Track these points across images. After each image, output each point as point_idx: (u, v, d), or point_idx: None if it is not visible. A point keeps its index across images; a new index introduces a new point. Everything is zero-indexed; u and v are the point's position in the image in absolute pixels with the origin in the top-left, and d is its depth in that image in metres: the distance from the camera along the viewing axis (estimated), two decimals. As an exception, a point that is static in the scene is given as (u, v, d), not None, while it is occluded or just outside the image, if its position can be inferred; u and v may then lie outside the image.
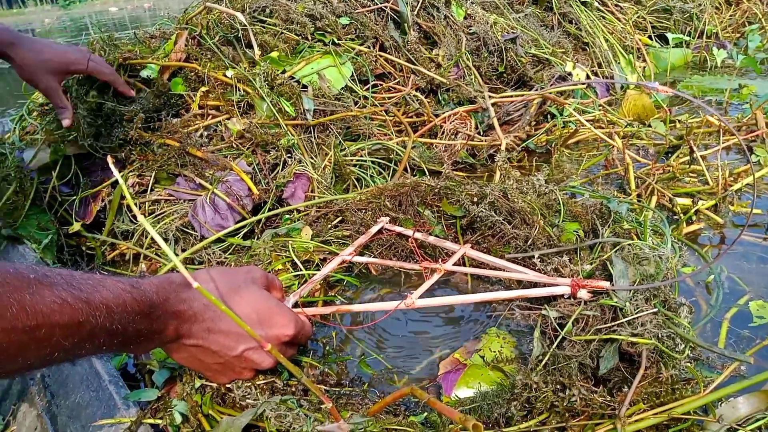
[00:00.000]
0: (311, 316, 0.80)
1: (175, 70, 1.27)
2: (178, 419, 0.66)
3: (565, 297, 0.74)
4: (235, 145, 1.16)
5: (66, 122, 1.09)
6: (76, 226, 1.15)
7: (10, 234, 1.17)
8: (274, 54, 1.29)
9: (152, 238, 1.07)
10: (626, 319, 0.65)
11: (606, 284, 0.70)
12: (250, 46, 1.29)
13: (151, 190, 1.13)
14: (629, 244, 0.78)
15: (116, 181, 1.16)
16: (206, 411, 0.68)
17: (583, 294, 0.72)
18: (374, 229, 1.01)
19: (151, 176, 1.12)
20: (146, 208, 1.11)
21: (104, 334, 0.51)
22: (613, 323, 0.65)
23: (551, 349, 0.65)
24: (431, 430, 0.60)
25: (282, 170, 1.15)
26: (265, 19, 1.37)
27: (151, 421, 0.67)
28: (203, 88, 1.20)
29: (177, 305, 0.59)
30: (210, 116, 1.17)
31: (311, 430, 0.57)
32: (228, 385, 0.68)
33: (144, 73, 1.23)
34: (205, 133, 1.17)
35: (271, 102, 1.17)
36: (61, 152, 1.17)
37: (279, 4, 1.35)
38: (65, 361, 0.51)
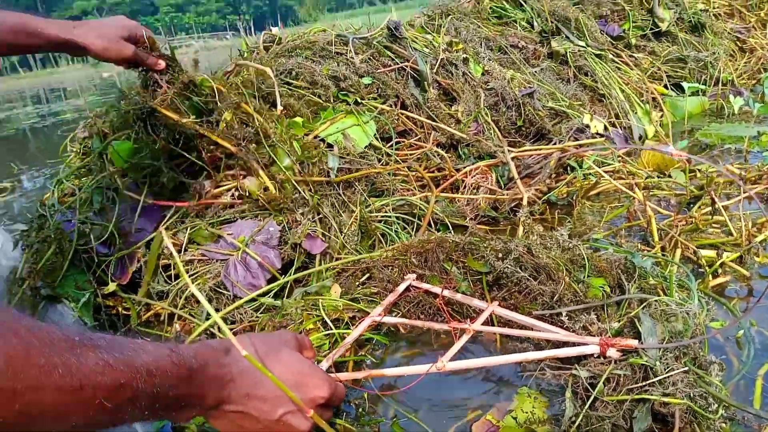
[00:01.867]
0: (342, 381, 0.82)
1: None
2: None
3: (595, 356, 0.75)
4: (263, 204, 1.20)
5: (161, 65, 1.13)
6: (112, 287, 1.18)
7: (49, 294, 1.21)
8: (298, 119, 1.35)
9: (186, 299, 1.10)
10: (657, 378, 0.65)
11: (635, 343, 0.71)
12: (275, 105, 1.35)
13: (185, 250, 1.17)
14: (656, 301, 0.79)
15: (150, 242, 1.20)
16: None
17: (612, 353, 0.73)
18: (402, 287, 1.03)
19: (184, 237, 1.16)
20: (181, 268, 1.15)
21: (145, 397, 0.53)
22: (644, 383, 0.66)
23: (584, 410, 0.66)
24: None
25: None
26: (291, 81, 1.43)
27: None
28: (225, 142, 1.26)
29: (216, 370, 0.62)
30: (241, 176, 1.22)
31: None
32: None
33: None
34: (236, 194, 1.21)
35: (294, 159, 1.21)
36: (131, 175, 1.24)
37: (305, 66, 1.42)
38: (108, 426, 0.52)
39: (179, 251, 1.19)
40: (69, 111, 8.12)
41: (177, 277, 1.17)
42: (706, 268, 1.04)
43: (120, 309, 1.21)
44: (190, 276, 1.12)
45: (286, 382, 0.66)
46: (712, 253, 1.08)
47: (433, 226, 1.32)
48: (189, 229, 1.14)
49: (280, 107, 1.28)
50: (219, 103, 1.20)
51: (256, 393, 0.64)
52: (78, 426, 0.48)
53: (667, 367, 0.66)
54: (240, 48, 1.63)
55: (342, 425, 0.76)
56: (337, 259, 1.16)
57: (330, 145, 1.32)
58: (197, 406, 0.61)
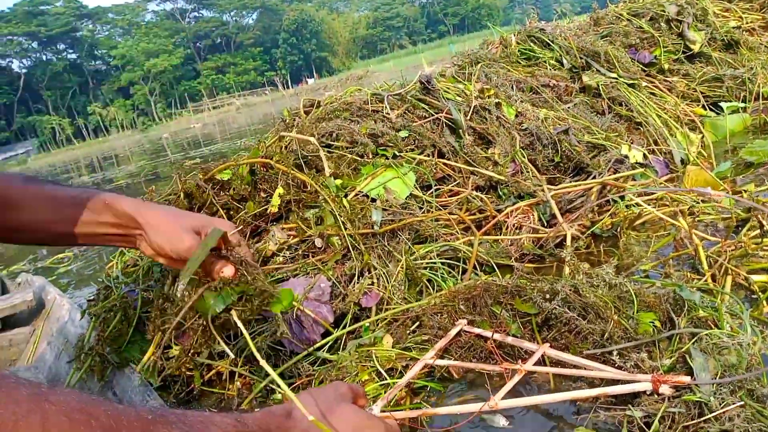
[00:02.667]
0: (399, 420, 0.85)
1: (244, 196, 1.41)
2: None
3: (648, 393, 0.75)
4: (312, 262, 1.26)
5: (226, 273, 0.91)
6: (176, 350, 1.25)
7: (116, 359, 1.29)
8: (338, 181, 1.41)
9: (246, 357, 1.16)
10: (712, 414, 0.65)
11: (687, 379, 0.71)
12: (318, 169, 1.42)
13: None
14: (707, 334, 0.79)
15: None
16: None
17: (665, 389, 0.73)
18: (453, 332, 1.06)
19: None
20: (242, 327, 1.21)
21: None
22: (699, 419, 0.66)
23: (640, 451, 0.66)
24: None
25: (359, 281, 1.23)
26: (331, 143, 1.50)
27: None
28: (279, 192, 1.33)
29: None
30: (291, 236, 1.28)
31: None
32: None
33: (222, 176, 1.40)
34: (288, 254, 1.27)
35: (339, 215, 1.27)
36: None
37: (344, 127, 1.49)
38: None
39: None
40: (122, 177, 8.57)
41: (236, 336, 1.23)
42: (759, 293, 1.03)
43: (183, 370, 1.28)
44: (249, 334, 1.17)
45: None
46: (764, 277, 1.06)
47: (478, 268, 1.34)
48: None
49: (328, 170, 1.35)
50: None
51: None
52: None
53: (722, 402, 0.67)
54: (282, 115, 1.73)
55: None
56: (386, 309, 1.20)
57: (373, 199, 1.38)
58: None
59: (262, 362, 0.59)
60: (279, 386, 0.78)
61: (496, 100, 1.68)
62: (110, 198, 0.95)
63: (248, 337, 0.68)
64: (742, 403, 0.66)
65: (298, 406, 0.58)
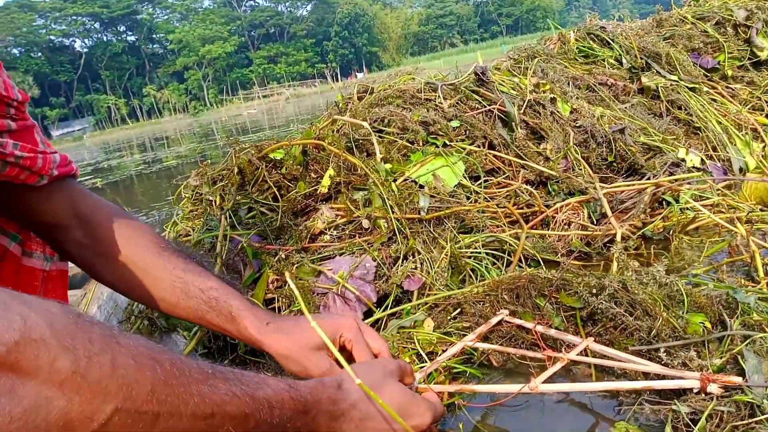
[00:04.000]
0: (438, 392, 0.86)
1: (296, 175, 1.44)
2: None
3: (695, 392, 0.74)
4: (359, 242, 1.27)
5: None
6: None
7: (164, 325, 1.34)
8: (388, 166, 1.42)
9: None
10: (765, 416, 0.64)
11: (738, 380, 0.70)
12: (368, 153, 1.44)
13: (287, 284, 1.26)
14: (761, 337, 0.77)
15: (257, 279, 1.30)
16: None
17: (713, 389, 0.72)
18: (495, 319, 1.06)
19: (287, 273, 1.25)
20: (283, 302, 1.24)
21: (266, 427, 0.58)
22: (750, 420, 0.65)
23: (685, 446, 0.65)
24: None
25: (402, 264, 1.24)
26: (383, 128, 1.52)
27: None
28: (330, 173, 1.35)
29: (329, 406, 0.67)
30: (339, 216, 1.30)
31: None
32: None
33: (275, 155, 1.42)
34: (335, 233, 1.29)
35: (387, 199, 1.29)
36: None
37: (396, 114, 1.50)
38: None
39: (281, 286, 1.29)
40: (171, 158, 8.82)
41: (280, 310, 1.26)
42: (819, 305, 0.99)
43: (228, 338, 1.31)
44: (295, 309, 1.20)
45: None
46: (824, 289, 1.02)
47: (523, 261, 1.34)
48: (293, 265, 1.23)
49: (379, 155, 1.37)
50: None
51: (366, 425, 0.69)
52: None
53: (775, 405, 0.65)
54: (336, 100, 1.75)
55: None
56: (428, 294, 1.21)
57: (421, 186, 1.39)
58: None
59: (314, 324, 0.60)
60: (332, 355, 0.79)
61: (551, 96, 1.66)
62: (236, 309, 0.86)
63: (302, 304, 0.69)
64: (796, 407, 0.64)
65: (349, 371, 0.60)
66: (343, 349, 0.85)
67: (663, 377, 0.79)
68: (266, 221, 1.34)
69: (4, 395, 0.39)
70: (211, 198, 1.48)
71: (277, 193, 1.41)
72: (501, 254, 1.36)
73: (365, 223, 1.28)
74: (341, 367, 0.69)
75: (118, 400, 0.44)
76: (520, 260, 1.32)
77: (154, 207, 3.84)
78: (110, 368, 0.44)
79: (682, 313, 0.91)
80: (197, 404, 0.51)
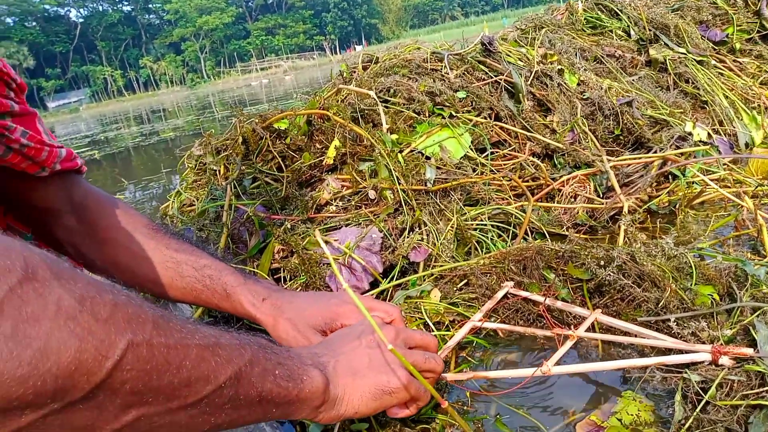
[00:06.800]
0: (449, 381, 0.86)
1: (300, 146, 1.42)
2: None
3: (705, 363, 0.74)
4: (365, 213, 1.27)
5: None
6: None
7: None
8: (394, 136, 1.41)
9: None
10: (775, 385, 0.64)
11: (750, 351, 0.70)
12: (374, 124, 1.42)
13: (293, 254, 1.25)
14: (771, 309, 0.77)
15: (262, 249, 1.30)
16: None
17: (725, 361, 0.72)
18: (500, 294, 1.05)
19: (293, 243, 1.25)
20: (288, 272, 1.23)
21: (260, 364, 0.56)
22: (761, 389, 0.65)
23: (695, 413, 0.66)
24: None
25: (409, 235, 1.24)
26: (389, 98, 1.50)
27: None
28: (335, 144, 1.34)
29: (309, 350, 0.69)
30: (345, 187, 1.29)
31: None
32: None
33: (279, 125, 1.40)
34: (341, 204, 1.29)
35: (393, 170, 1.28)
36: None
37: (402, 84, 1.48)
38: (236, 399, 0.53)
39: (286, 257, 1.28)
40: (169, 130, 8.75)
41: (285, 280, 1.25)
42: (826, 278, 0.99)
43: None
44: (300, 281, 1.20)
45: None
46: (832, 263, 1.02)
47: (529, 234, 1.33)
48: (299, 235, 1.22)
49: (385, 126, 1.35)
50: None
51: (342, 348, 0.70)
52: (214, 395, 0.51)
53: (786, 375, 0.65)
54: (340, 69, 1.73)
55: (445, 420, 0.80)
56: (434, 266, 1.21)
57: (427, 157, 1.38)
58: (308, 382, 0.62)
59: (341, 280, 0.60)
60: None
61: (559, 67, 1.64)
62: (230, 286, 0.85)
63: (334, 266, 0.68)
64: (807, 376, 0.64)
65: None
66: None
67: (671, 351, 0.79)
68: (271, 191, 1.33)
69: (10, 339, 0.36)
70: (215, 168, 1.47)
71: (281, 163, 1.40)
72: (507, 227, 1.35)
73: (371, 194, 1.28)
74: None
75: (129, 334, 0.43)
76: (525, 233, 1.31)
77: (151, 179, 3.82)
78: (113, 306, 0.43)
79: (691, 285, 0.91)
80: (202, 338, 0.50)
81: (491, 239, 1.32)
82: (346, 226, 1.24)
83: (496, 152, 1.49)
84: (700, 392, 0.68)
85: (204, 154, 1.62)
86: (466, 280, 1.15)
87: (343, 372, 0.68)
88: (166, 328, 0.47)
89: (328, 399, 0.65)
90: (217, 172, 1.45)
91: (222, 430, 0.53)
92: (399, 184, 1.27)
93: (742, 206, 1.27)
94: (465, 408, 0.86)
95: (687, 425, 0.65)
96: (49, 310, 0.38)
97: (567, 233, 1.31)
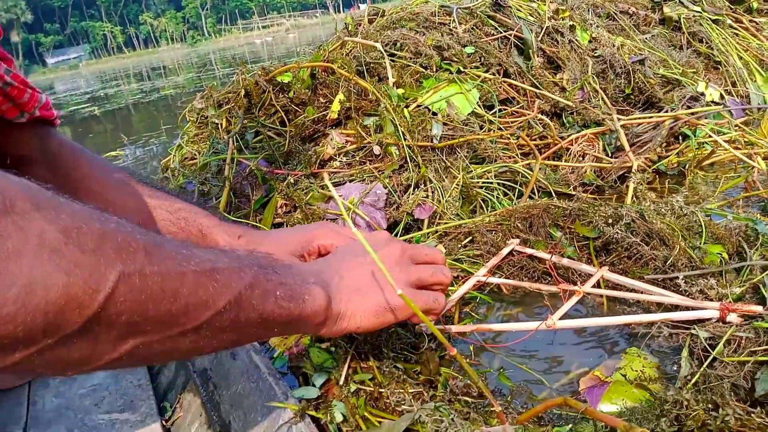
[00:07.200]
0: (453, 333, 0.86)
1: (304, 100, 1.39)
2: (339, 418, 0.73)
3: (713, 321, 0.73)
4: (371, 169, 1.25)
5: None
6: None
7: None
8: (400, 91, 1.38)
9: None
10: (784, 342, 0.64)
11: (759, 309, 0.69)
12: (380, 78, 1.39)
13: (296, 209, 1.24)
14: (782, 268, 0.76)
15: (264, 204, 1.28)
16: (362, 413, 0.74)
17: (732, 318, 0.71)
18: (505, 250, 1.04)
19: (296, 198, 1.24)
20: (291, 226, 1.22)
21: (261, 286, 0.54)
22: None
23: (702, 368, 0.65)
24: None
25: (414, 192, 1.22)
26: (395, 52, 1.46)
27: (313, 413, 0.75)
28: (340, 98, 1.31)
29: (307, 267, 0.67)
30: (350, 142, 1.27)
31: (479, 431, 0.62)
32: (381, 391, 0.75)
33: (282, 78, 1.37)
34: (344, 159, 1.27)
35: (399, 125, 1.25)
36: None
37: (409, 37, 1.44)
38: (238, 319, 0.52)
39: (289, 211, 1.27)
40: (169, 87, 8.64)
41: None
42: (836, 240, 0.98)
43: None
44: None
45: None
46: (843, 225, 1.01)
47: (535, 193, 1.32)
48: (302, 190, 1.21)
49: (391, 80, 1.32)
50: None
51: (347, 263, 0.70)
52: (214, 320, 0.49)
53: (795, 332, 0.64)
54: (346, 21, 1.68)
55: (448, 374, 0.80)
56: (438, 224, 1.19)
57: (434, 113, 1.35)
58: (309, 297, 0.62)
59: (355, 230, 0.58)
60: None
61: (570, 23, 1.59)
62: (206, 227, 0.85)
63: (337, 197, 0.67)
64: (817, 334, 0.64)
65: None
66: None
67: (678, 308, 0.78)
68: (274, 146, 1.31)
69: None
70: (217, 121, 1.44)
71: (284, 117, 1.38)
72: (513, 185, 1.34)
73: (376, 150, 1.25)
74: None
75: (120, 265, 0.40)
76: (532, 192, 1.30)
77: (151, 136, 3.78)
78: (101, 235, 0.40)
79: (700, 243, 0.89)
80: (197, 264, 0.48)
81: (497, 197, 1.30)
82: (350, 181, 1.23)
83: (504, 109, 1.47)
84: (708, 348, 0.67)
85: (206, 107, 1.59)
86: (470, 238, 1.14)
87: (346, 288, 0.67)
88: (158, 255, 0.45)
89: (331, 316, 0.64)
90: (219, 126, 1.43)
91: (226, 349, 0.53)
92: (404, 140, 1.24)
93: (753, 167, 1.25)
94: (469, 361, 0.86)
95: (693, 380, 0.65)
96: (31, 244, 0.36)
97: (574, 192, 1.29)
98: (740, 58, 1.83)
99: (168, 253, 0.46)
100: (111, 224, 0.43)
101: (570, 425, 0.69)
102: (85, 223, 0.40)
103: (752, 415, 0.59)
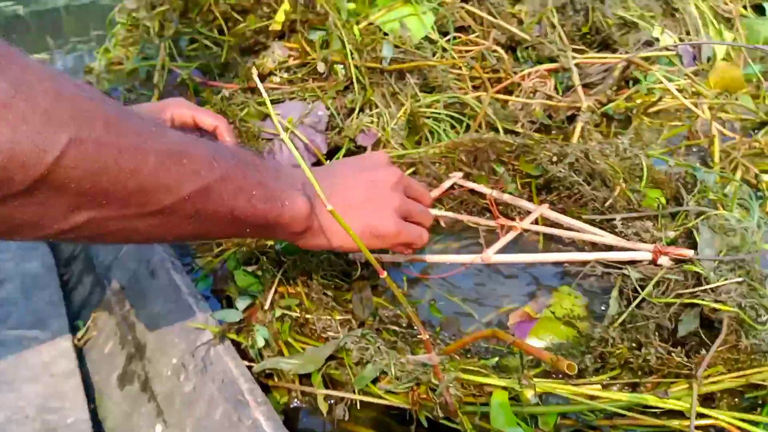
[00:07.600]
0: (386, 262, 0.83)
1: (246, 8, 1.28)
2: (261, 342, 0.70)
3: (645, 263, 0.73)
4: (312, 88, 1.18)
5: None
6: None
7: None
8: (351, 6, 1.29)
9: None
10: (710, 285, 0.64)
11: (690, 252, 0.69)
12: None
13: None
14: (715, 215, 0.76)
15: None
16: (285, 339, 0.71)
17: (664, 261, 0.71)
18: (447, 183, 1.01)
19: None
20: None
21: (234, 181, 0.52)
22: (695, 289, 0.65)
23: (630, 308, 0.65)
24: (505, 374, 0.62)
25: (358, 117, 1.16)
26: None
27: (234, 337, 0.72)
28: (285, 8, 1.21)
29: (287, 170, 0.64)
30: (292, 57, 1.19)
31: (405, 359, 0.60)
32: (308, 317, 0.72)
33: None
34: (285, 75, 1.19)
35: (348, 42, 1.17)
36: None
37: (363, -52, 1.34)
38: (210, 216, 0.50)
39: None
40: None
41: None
42: (766, 192, 1.00)
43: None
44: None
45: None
46: (775, 178, 1.03)
47: (482, 128, 1.28)
48: (237, 106, 1.13)
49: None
50: None
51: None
52: (176, 206, 0.47)
53: (721, 278, 0.65)
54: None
55: (380, 303, 0.78)
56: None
57: (385, 33, 1.27)
58: (286, 191, 0.58)
59: (291, 148, 0.53)
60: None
61: (534, -48, 1.51)
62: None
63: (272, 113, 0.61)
64: (741, 279, 0.64)
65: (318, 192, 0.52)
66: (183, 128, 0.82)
67: (614, 248, 0.78)
68: (210, 55, 1.21)
69: None
70: (148, 24, 1.32)
71: (224, 25, 1.27)
72: (461, 117, 1.30)
73: (320, 67, 1.18)
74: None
75: (73, 129, 0.38)
76: (479, 126, 1.26)
77: (80, 41, 3.49)
78: (56, 96, 0.38)
79: (640, 187, 0.89)
80: (160, 144, 0.45)
81: (444, 129, 1.26)
82: (290, 100, 1.15)
83: (459, 38, 1.40)
84: (638, 289, 0.67)
85: (137, 8, 1.45)
86: (414, 169, 1.10)
87: (335, 204, 0.63)
88: (119, 127, 0.42)
89: (311, 227, 0.62)
90: (151, 29, 1.30)
91: (191, 241, 0.50)
92: (352, 59, 1.17)
93: (697, 117, 1.26)
94: (401, 291, 0.84)
95: (620, 320, 0.65)
96: None
97: (521, 130, 1.27)
98: (697, 7, 1.81)
99: (131, 128, 0.43)
100: (69, 87, 0.40)
101: (497, 358, 0.68)
102: (39, 80, 0.37)
103: (672, 354, 0.60)
